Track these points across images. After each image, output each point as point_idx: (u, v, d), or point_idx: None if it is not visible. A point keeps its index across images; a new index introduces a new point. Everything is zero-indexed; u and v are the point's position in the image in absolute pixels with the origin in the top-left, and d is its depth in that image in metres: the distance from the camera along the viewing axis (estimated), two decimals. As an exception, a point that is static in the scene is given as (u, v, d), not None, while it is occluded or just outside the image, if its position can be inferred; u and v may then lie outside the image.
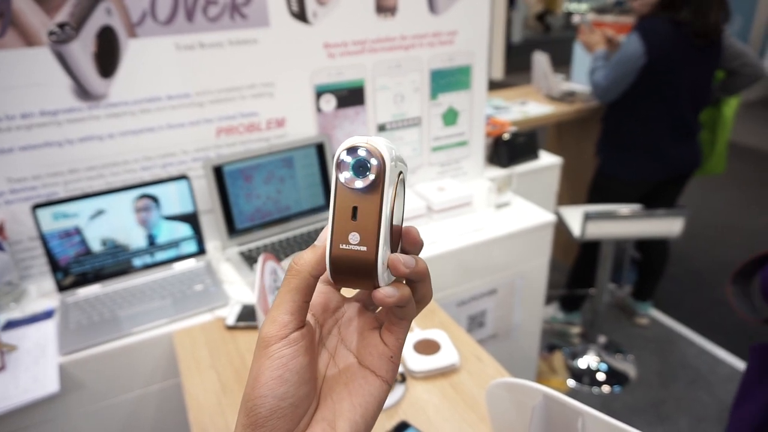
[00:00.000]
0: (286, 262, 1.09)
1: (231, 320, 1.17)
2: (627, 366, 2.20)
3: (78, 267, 1.26)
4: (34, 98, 1.19)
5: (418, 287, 0.34)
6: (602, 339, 2.31)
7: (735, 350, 2.27)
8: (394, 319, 0.34)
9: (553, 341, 2.36)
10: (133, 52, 1.25)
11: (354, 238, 0.30)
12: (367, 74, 1.54)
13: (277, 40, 1.39)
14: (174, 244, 1.36)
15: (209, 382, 1.02)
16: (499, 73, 7.02)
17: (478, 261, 1.54)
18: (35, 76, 1.18)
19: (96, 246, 1.27)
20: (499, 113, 2.41)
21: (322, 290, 0.36)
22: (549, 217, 1.62)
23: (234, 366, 1.05)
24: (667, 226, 1.84)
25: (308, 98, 1.49)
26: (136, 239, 1.31)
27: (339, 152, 0.30)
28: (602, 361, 2.20)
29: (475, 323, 1.64)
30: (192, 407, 0.96)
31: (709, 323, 2.43)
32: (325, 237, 0.32)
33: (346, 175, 0.30)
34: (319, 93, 1.50)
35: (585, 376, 2.16)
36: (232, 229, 1.44)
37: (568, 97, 2.60)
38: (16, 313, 1.22)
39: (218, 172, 1.38)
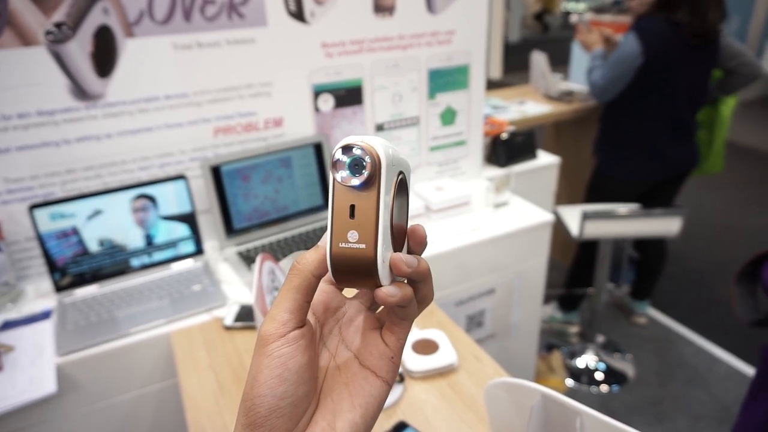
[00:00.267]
0: (284, 262, 1.09)
1: (229, 320, 1.17)
2: (625, 365, 2.21)
3: (75, 267, 1.26)
4: (31, 98, 1.19)
5: (419, 287, 0.34)
6: (600, 338, 2.31)
7: (733, 349, 2.27)
8: (395, 320, 0.34)
9: (551, 341, 2.36)
10: (130, 51, 1.24)
11: (353, 236, 0.30)
12: (365, 74, 1.54)
13: (275, 40, 1.38)
14: (172, 244, 1.36)
15: (207, 383, 1.01)
16: (497, 73, 7.03)
17: (477, 261, 1.54)
18: (32, 75, 1.17)
19: (93, 246, 1.27)
20: (497, 113, 2.41)
21: (323, 290, 0.37)
22: (547, 217, 1.62)
23: (232, 366, 1.05)
24: (665, 225, 1.84)
25: (306, 98, 1.49)
26: (134, 239, 1.31)
27: (335, 151, 0.30)
28: (600, 360, 2.21)
29: (473, 323, 1.64)
30: (190, 408, 0.96)
31: (706, 322, 2.43)
32: None
33: (342, 174, 0.30)
34: (317, 93, 1.50)
35: (583, 376, 2.16)
36: (230, 229, 1.43)
37: (566, 96, 2.60)
38: (13, 314, 1.22)
39: (216, 171, 1.38)
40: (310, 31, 1.42)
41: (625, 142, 2.13)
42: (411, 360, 1.01)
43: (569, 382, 2.15)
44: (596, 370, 2.18)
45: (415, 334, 1.09)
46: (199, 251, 1.40)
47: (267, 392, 0.30)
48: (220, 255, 1.43)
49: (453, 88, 1.70)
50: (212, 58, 1.33)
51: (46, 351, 1.10)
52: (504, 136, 1.93)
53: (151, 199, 1.31)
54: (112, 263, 1.30)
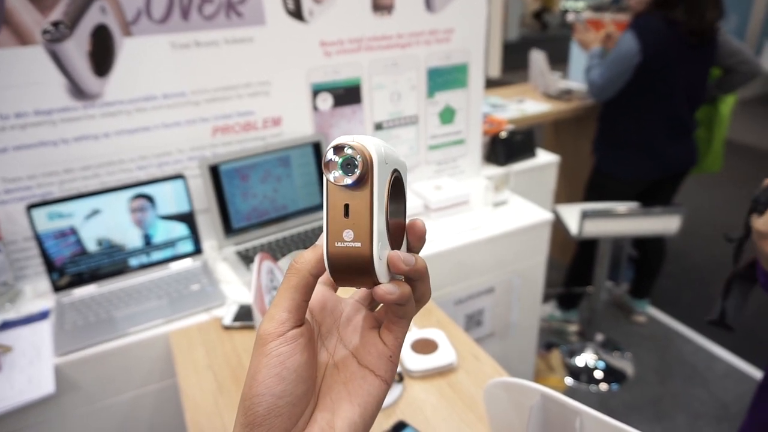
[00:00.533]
0: (282, 262, 1.08)
1: (228, 320, 1.16)
2: (624, 364, 2.21)
3: (73, 267, 1.26)
4: (28, 97, 1.18)
5: (417, 286, 0.34)
6: (600, 337, 2.31)
7: (732, 348, 2.28)
8: (393, 318, 0.34)
9: (550, 339, 2.36)
10: (128, 50, 1.24)
11: (348, 235, 0.31)
12: (364, 73, 1.54)
13: (273, 39, 1.38)
14: (170, 243, 1.36)
15: (206, 383, 1.01)
16: (496, 71, 7.03)
17: (476, 259, 1.54)
18: (29, 75, 1.17)
19: (91, 246, 1.26)
20: (496, 111, 2.41)
21: (321, 290, 0.37)
22: (546, 216, 1.62)
23: (231, 366, 1.05)
24: (664, 223, 1.84)
25: (304, 97, 1.48)
26: (132, 239, 1.31)
27: (326, 152, 0.31)
28: (600, 358, 2.21)
29: (472, 322, 1.64)
30: (189, 408, 0.96)
31: (705, 321, 2.43)
32: None
33: (335, 174, 0.30)
34: (316, 92, 1.50)
35: (583, 374, 2.17)
36: (229, 228, 1.43)
37: (565, 95, 2.60)
38: (11, 314, 1.22)
39: (214, 171, 1.38)
40: (309, 30, 1.41)
41: (623, 141, 2.13)
42: (410, 359, 1.01)
43: (568, 380, 2.15)
44: (595, 368, 2.18)
45: (414, 333, 1.08)
46: (197, 251, 1.39)
47: (265, 391, 0.30)
48: (218, 254, 1.43)
49: (452, 86, 1.70)
50: (210, 57, 1.33)
51: (45, 351, 1.10)
52: (503, 134, 1.93)
53: (149, 198, 1.31)
54: (110, 263, 1.29)
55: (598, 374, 2.16)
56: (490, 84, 2.32)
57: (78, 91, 1.22)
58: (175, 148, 1.38)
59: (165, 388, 1.22)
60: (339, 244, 0.31)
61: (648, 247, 2.39)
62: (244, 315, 1.17)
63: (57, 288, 1.25)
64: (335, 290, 0.38)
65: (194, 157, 1.41)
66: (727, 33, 2.01)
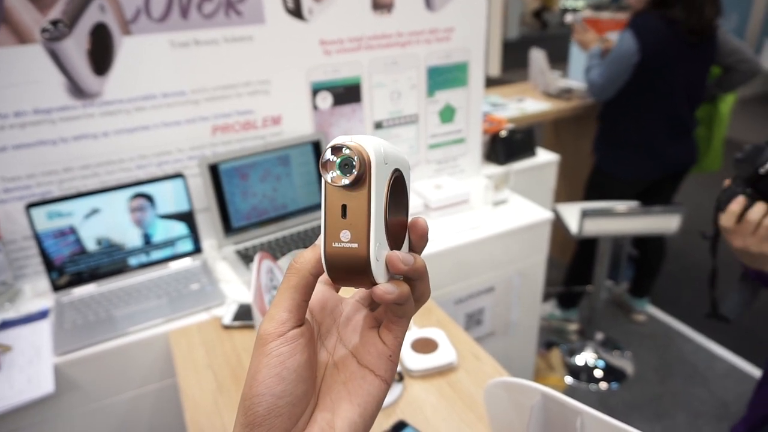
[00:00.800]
0: (282, 261, 1.08)
1: (227, 319, 1.16)
2: (624, 363, 2.21)
3: (73, 266, 1.25)
4: (27, 96, 1.18)
5: (416, 285, 0.34)
6: (600, 336, 2.31)
7: (732, 347, 2.28)
8: (392, 318, 0.34)
9: (550, 338, 2.36)
10: (127, 49, 1.24)
11: (345, 235, 0.31)
12: (364, 71, 1.54)
13: (273, 37, 1.38)
14: (170, 243, 1.35)
15: (206, 382, 1.01)
16: (496, 70, 7.03)
17: (476, 259, 1.54)
18: (28, 74, 1.16)
19: (91, 245, 1.26)
20: (496, 110, 2.41)
21: (321, 289, 0.37)
22: (546, 215, 1.62)
23: (230, 365, 1.05)
24: (664, 223, 1.84)
25: (304, 96, 1.48)
26: (132, 238, 1.31)
27: (324, 152, 0.31)
28: (600, 357, 2.21)
29: (472, 321, 1.64)
30: (188, 407, 0.96)
31: (705, 320, 2.42)
32: None
33: (332, 174, 0.30)
34: (316, 90, 1.49)
35: (582, 373, 2.16)
36: (228, 227, 1.43)
37: (565, 93, 2.59)
38: (10, 313, 1.21)
39: (214, 170, 1.38)
40: (308, 29, 1.41)
41: (623, 141, 2.13)
42: (410, 359, 1.01)
43: (568, 379, 2.15)
44: (595, 367, 2.18)
45: (414, 332, 1.08)
46: (197, 250, 1.39)
47: (265, 391, 0.30)
48: (218, 254, 1.43)
49: (452, 85, 1.69)
50: (210, 55, 1.32)
51: (44, 351, 1.10)
52: (503, 133, 1.92)
53: (149, 198, 1.31)
54: (109, 262, 1.29)
55: (598, 373, 2.16)
56: (490, 83, 2.32)
57: (77, 90, 1.22)
58: (175, 147, 1.37)
59: (165, 388, 1.21)
60: (336, 245, 0.31)
61: (648, 246, 2.38)
62: (244, 314, 1.17)
63: (56, 287, 1.25)
64: (336, 290, 0.38)
65: (194, 156, 1.40)
66: (727, 32, 2.00)
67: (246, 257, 1.39)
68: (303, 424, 0.32)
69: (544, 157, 2.02)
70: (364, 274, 0.31)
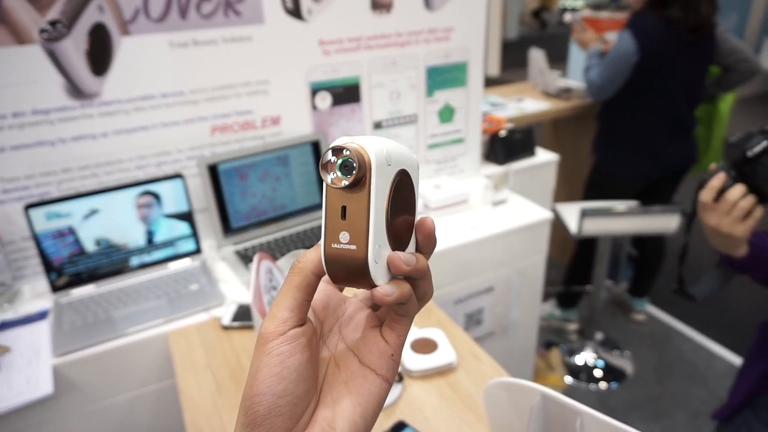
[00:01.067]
0: (282, 261, 1.08)
1: (226, 320, 1.16)
2: (624, 362, 2.21)
3: (72, 267, 1.25)
4: (26, 97, 1.18)
5: (419, 284, 0.34)
6: (599, 335, 2.31)
7: (732, 346, 2.28)
8: (395, 316, 0.34)
9: (550, 338, 2.36)
10: (126, 49, 1.23)
11: (344, 237, 0.31)
12: (363, 71, 1.53)
13: (272, 38, 1.37)
14: (170, 243, 1.35)
15: (205, 383, 1.01)
16: (495, 70, 7.03)
17: (475, 259, 1.54)
18: (27, 74, 1.16)
19: (90, 246, 1.26)
20: (495, 110, 2.41)
21: (323, 288, 0.37)
22: (546, 215, 1.61)
23: (230, 366, 1.05)
24: (664, 222, 1.84)
25: (303, 96, 1.48)
26: (134, 237, 1.30)
27: (325, 153, 0.31)
28: (599, 357, 2.21)
29: (472, 321, 1.64)
30: (188, 408, 0.95)
31: (705, 319, 2.43)
32: None
33: (332, 176, 0.30)
34: (315, 90, 1.49)
35: (582, 373, 2.17)
36: (228, 227, 1.43)
37: (565, 93, 2.59)
38: (9, 314, 1.21)
39: (213, 170, 1.37)
40: (308, 29, 1.41)
41: (622, 141, 2.13)
42: (410, 359, 1.01)
43: (568, 379, 2.15)
44: (595, 367, 2.18)
45: (414, 333, 1.08)
46: (196, 250, 1.39)
47: (266, 390, 0.30)
48: (217, 254, 1.43)
49: (451, 85, 1.69)
50: (209, 56, 1.32)
51: (43, 352, 1.10)
52: (502, 133, 1.92)
53: (156, 196, 1.31)
54: (108, 263, 1.29)
55: (598, 373, 2.16)
56: (490, 82, 2.32)
57: (76, 91, 1.22)
58: (174, 147, 1.37)
59: (164, 389, 1.21)
60: (335, 246, 0.31)
61: (647, 246, 2.39)
62: (243, 315, 1.17)
63: (55, 288, 1.24)
64: (340, 289, 0.38)
65: (193, 156, 1.40)
66: (726, 31, 2.00)
67: (245, 257, 1.38)
68: (304, 424, 0.32)
69: (544, 157, 2.02)
70: (363, 275, 0.31)
